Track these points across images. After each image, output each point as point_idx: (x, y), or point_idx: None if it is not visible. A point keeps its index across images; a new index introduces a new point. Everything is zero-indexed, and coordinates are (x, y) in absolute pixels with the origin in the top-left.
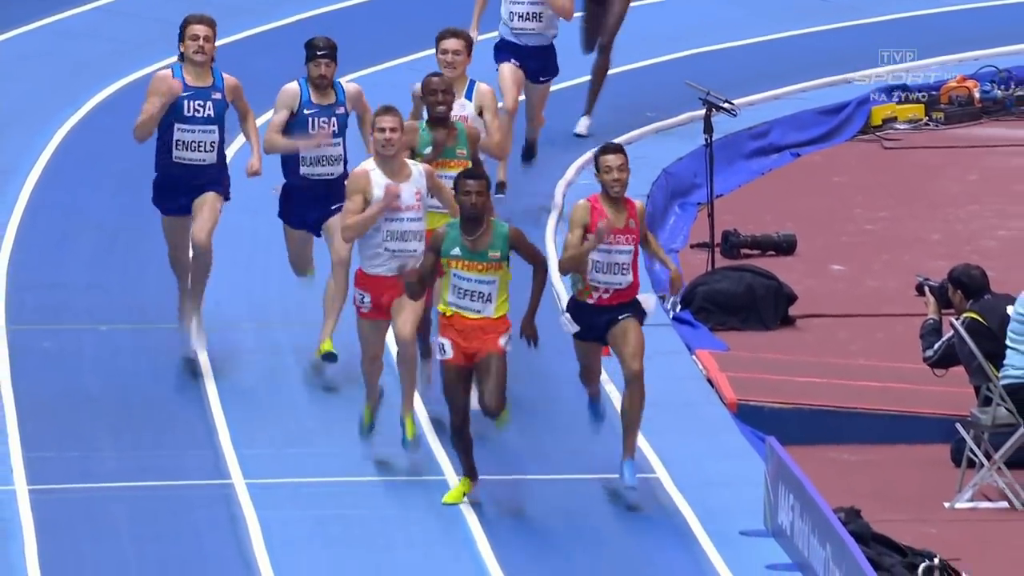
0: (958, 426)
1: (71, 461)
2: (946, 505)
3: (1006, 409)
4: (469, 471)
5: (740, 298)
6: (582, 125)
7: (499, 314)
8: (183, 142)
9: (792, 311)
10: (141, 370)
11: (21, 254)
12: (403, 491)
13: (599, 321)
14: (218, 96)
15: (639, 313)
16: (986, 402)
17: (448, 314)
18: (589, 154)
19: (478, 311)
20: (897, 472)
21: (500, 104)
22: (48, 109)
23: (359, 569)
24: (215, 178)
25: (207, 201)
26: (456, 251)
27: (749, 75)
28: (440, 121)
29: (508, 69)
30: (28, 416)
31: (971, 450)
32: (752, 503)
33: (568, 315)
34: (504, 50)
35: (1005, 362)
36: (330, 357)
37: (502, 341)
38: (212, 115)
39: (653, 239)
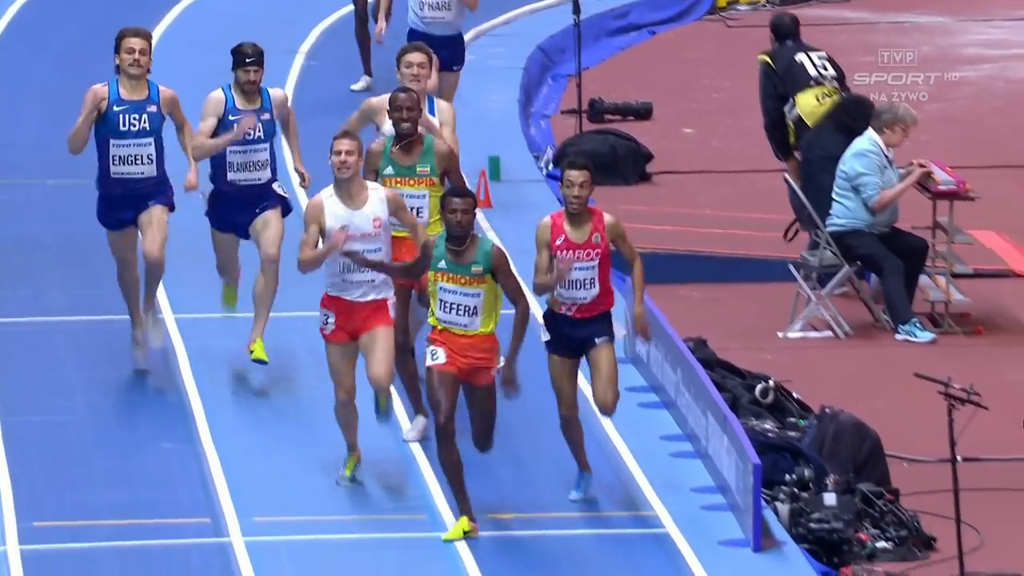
0: (791, 266)
1: (23, 299)
2: (779, 335)
3: (831, 252)
4: (464, 507)
5: (604, 157)
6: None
7: (485, 329)
8: (119, 156)
9: (649, 168)
10: (85, 219)
11: None
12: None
13: (573, 335)
14: (153, 109)
15: (612, 331)
16: (814, 246)
17: (439, 328)
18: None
19: (464, 326)
20: (738, 307)
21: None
22: None
23: (280, 398)
24: (158, 190)
25: (153, 216)
26: (442, 264)
27: None
28: (405, 137)
29: None
30: None
31: (801, 287)
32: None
33: (543, 325)
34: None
35: (831, 211)
36: (260, 362)
37: (494, 372)
38: (148, 128)
39: (633, 257)
